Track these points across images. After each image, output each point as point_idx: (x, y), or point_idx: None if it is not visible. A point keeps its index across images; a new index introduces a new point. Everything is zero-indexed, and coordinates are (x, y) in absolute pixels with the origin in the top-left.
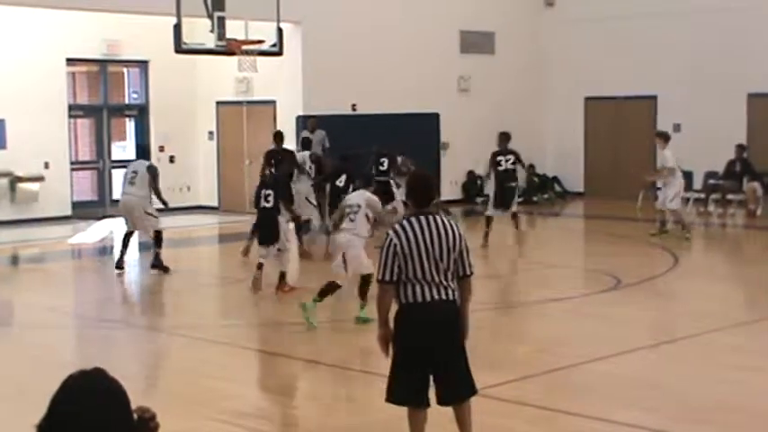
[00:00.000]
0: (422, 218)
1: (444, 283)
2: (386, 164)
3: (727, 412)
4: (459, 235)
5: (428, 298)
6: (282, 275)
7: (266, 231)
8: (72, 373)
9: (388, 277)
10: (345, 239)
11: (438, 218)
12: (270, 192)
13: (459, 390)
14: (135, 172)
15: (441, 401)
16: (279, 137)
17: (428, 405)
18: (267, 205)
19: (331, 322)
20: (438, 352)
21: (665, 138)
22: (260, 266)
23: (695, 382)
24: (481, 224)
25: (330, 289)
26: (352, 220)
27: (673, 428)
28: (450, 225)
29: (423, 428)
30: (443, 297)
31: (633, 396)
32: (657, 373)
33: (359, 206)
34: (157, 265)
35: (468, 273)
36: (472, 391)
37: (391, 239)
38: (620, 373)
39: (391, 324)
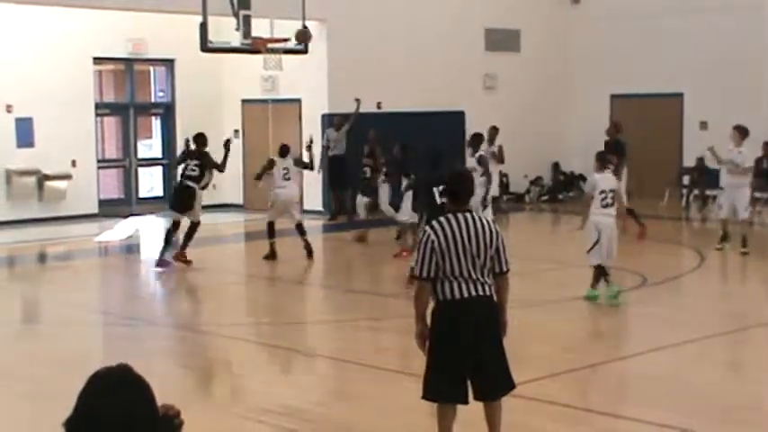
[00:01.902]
0: (459, 215)
1: (481, 279)
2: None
3: (756, 412)
4: (496, 231)
5: (465, 294)
6: None
7: None
8: (98, 370)
9: (425, 274)
10: (606, 223)
11: (474, 215)
12: None
13: (497, 385)
14: (286, 168)
15: (479, 397)
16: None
17: (466, 402)
18: None
19: (358, 320)
20: (476, 349)
21: (745, 133)
22: None
23: (722, 381)
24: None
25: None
26: (606, 206)
27: (699, 428)
28: (487, 222)
29: (451, 425)
30: (480, 293)
31: (660, 395)
32: (684, 371)
33: (612, 190)
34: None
35: (505, 269)
36: (511, 384)
37: (429, 236)
38: (646, 371)
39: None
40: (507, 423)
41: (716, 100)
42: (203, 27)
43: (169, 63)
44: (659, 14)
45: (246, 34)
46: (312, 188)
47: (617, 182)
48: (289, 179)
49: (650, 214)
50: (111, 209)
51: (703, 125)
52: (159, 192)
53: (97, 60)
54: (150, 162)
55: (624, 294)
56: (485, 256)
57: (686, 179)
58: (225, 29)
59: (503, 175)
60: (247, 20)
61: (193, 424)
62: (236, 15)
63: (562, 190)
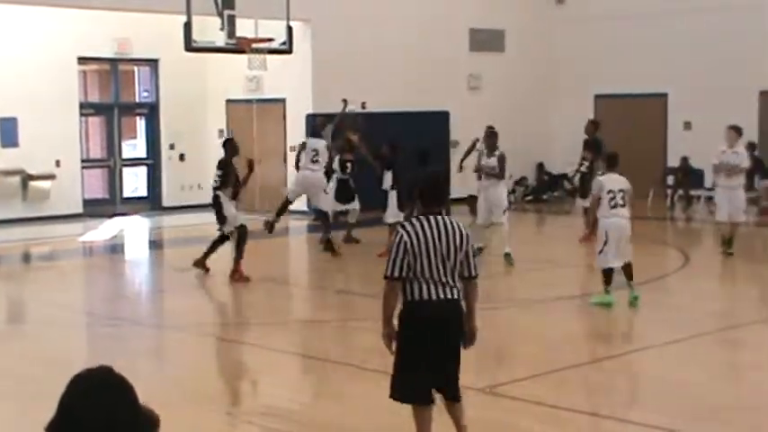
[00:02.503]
0: (431, 217)
1: (450, 282)
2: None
3: (741, 412)
4: (467, 235)
5: (434, 297)
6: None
7: None
8: (79, 371)
9: (396, 273)
10: (617, 224)
11: (446, 218)
12: None
13: (450, 390)
14: (315, 150)
15: (446, 396)
16: None
17: (432, 402)
18: None
19: (345, 321)
20: (441, 350)
21: (740, 133)
22: None
23: (709, 381)
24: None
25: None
26: (615, 207)
27: (685, 428)
28: (458, 225)
29: (429, 426)
30: (448, 296)
31: (645, 395)
32: (671, 371)
33: (622, 190)
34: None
35: (474, 274)
36: (457, 398)
37: (402, 237)
38: (631, 371)
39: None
40: (491, 423)
41: (700, 100)
42: (187, 27)
43: (153, 63)
44: (643, 15)
45: (231, 34)
46: None
47: (626, 182)
48: (317, 161)
49: (634, 214)
50: (95, 209)
51: (687, 125)
52: (143, 192)
53: (82, 60)
54: (135, 162)
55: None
56: (454, 258)
57: (671, 179)
58: (209, 29)
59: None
60: (232, 20)
61: (180, 425)
62: (220, 15)
63: (546, 190)
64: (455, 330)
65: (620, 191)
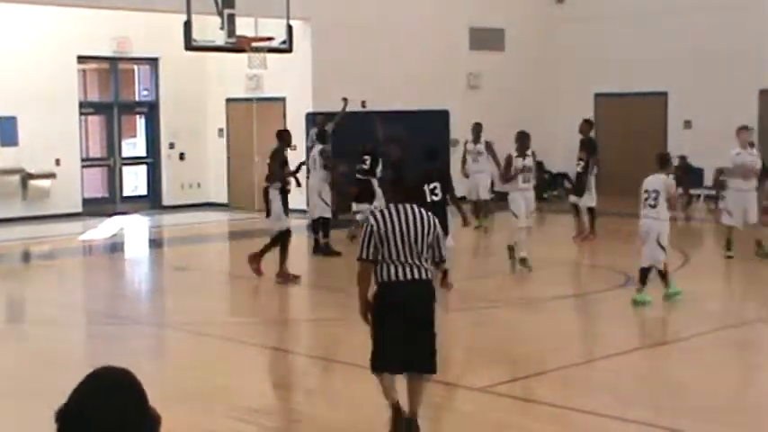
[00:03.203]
0: (399, 206)
1: (417, 263)
2: (368, 162)
3: (740, 411)
4: (434, 222)
5: (401, 277)
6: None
7: None
8: (97, 368)
9: (365, 256)
10: (646, 224)
11: (414, 207)
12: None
13: (423, 361)
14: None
15: (405, 368)
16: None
17: (408, 369)
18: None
19: (342, 319)
20: (410, 326)
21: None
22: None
23: (707, 380)
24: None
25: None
26: (647, 207)
27: (686, 428)
28: (426, 214)
29: (395, 392)
30: (416, 277)
31: (644, 394)
32: (669, 370)
33: (656, 191)
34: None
35: (443, 259)
36: (433, 369)
37: (370, 223)
38: (631, 370)
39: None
40: (491, 422)
41: (700, 99)
42: (187, 26)
43: (153, 62)
44: (643, 14)
45: (231, 33)
46: (296, 188)
47: (664, 183)
48: (314, 168)
49: (634, 213)
50: (95, 208)
51: (687, 124)
52: (143, 191)
53: (81, 59)
54: (134, 161)
55: (680, 295)
56: (422, 243)
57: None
58: (209, 27)
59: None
60: (232, 18)
61: (177, 423)
62: (220, 14)
63: (546, 189)
64: (424, 307)
65: (654, 191)
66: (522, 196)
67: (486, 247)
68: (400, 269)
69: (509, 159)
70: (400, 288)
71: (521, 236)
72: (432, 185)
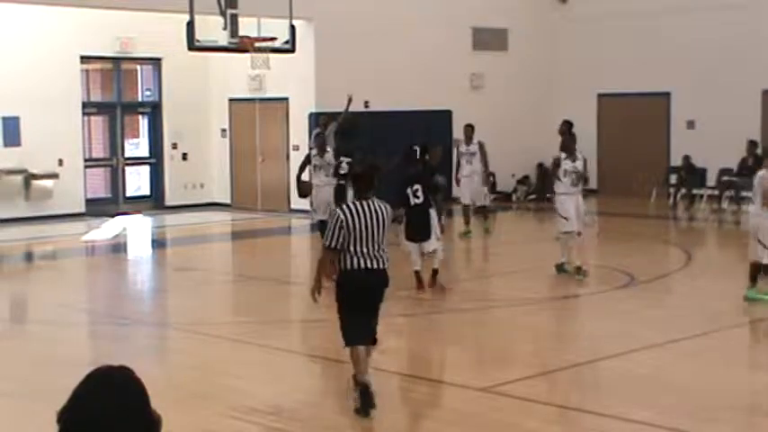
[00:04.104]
0: (364, 202)
1: (377, 254)
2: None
3: (742, 411)
4: (390, 213)
5: (363, 266)
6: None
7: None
8: (98, 367)
9: (333, 245)
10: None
11: (375, 202)
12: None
13: (372, 337)
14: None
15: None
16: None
17: (368, 343)
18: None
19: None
20: (368, 306)
21: None
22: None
23: (710, 380)
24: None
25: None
26: (753, 202)
27: (687, 427)
28: (384, 207)
29: (363, 362)
30: (376, 267)
31: (647, 394)
32: (672, 370)
33: (755, 187)
34: None
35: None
36: (375, 341)
37: (339, 216)
38: (634, 370)
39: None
40: (494, 422)
41: (703, 99)
42: (190, 26)
43: (156, 62)
44: (646, 14)
45: (234, 33)
46: None
47: (760, 178)
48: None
49: (638, 213)
50: (97, 208)
51: (690, 124)
52: (146, 191)
53: (84, 59)
54: (137, 161)
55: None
56: (381, 234)
57: (673, 178)
58: (212, 28)
59: (489, 174)
60: (234, 19)
61: (181, 423)
62: (223, 14)
63: (549, 189)
64: (381, 293)
65: (755, 186)
66: (572, 200)
67: (488, 247)
68: (362, 260)
69: (557, 161)
70: (362, 276)
71: (571, 241)
72: (414, 187)
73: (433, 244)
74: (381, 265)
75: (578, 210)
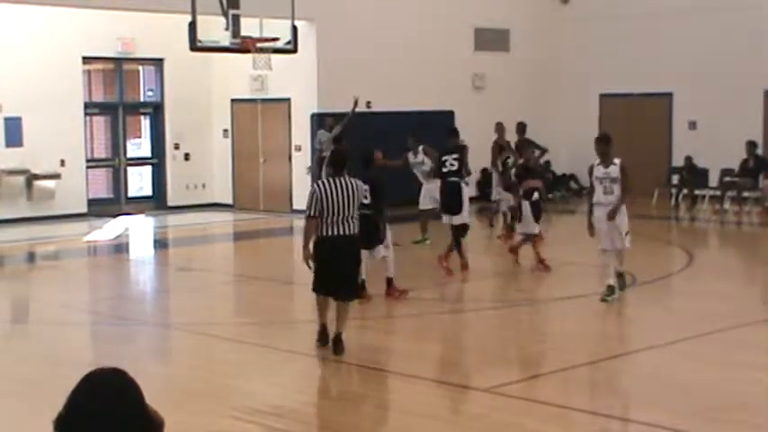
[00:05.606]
0: (338, 179)
1: (348, 222)
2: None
3: (744, 411)
4: (360, 188)
5: (335, 233)
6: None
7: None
8: (91, 371)
9: (312, 213)
10: None
11: (347, 178)
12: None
13: (349, 293)
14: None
15: (337, 297)
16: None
17: (334, 296)
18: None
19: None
20: (339, 267)
21: None
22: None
23: (711, 380)
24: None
25: None
26: None
27: (687, 428)
28: (354, 182)
29: (326, 311)
30: (347, 233)
31: (648, 394)
32: (673, 371)
33: None
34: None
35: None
36: (355, 295)
37: (315, 190)
38: (635, 371)
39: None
40: (495, 423)
41: (705, 99)
42: (192, 26)
43: (158, 62)
44: (648, 14)
45: (235, 34)
46: (301, 188)
47: None
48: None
49: (639, 214)
50: (100, 208)
51: (692, 125)
52: (148, 191)
53: (86, 60)
54: (139, 161)
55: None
56: (352, 206)
57: (675, 179)
58: (214, 28)
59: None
60: (236, 19)
61: (183, 424)
62: (225, 15)
63: (551, 190)
64: (350, 253)
65: None
66: (604, 212)
67: (489, 247)
68: (335, 227)
69: (591, 170)
70: (334, 241)
71: (605, 259)
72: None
73: (382, 251)
74: (350, 232)
75: (610, 224)
